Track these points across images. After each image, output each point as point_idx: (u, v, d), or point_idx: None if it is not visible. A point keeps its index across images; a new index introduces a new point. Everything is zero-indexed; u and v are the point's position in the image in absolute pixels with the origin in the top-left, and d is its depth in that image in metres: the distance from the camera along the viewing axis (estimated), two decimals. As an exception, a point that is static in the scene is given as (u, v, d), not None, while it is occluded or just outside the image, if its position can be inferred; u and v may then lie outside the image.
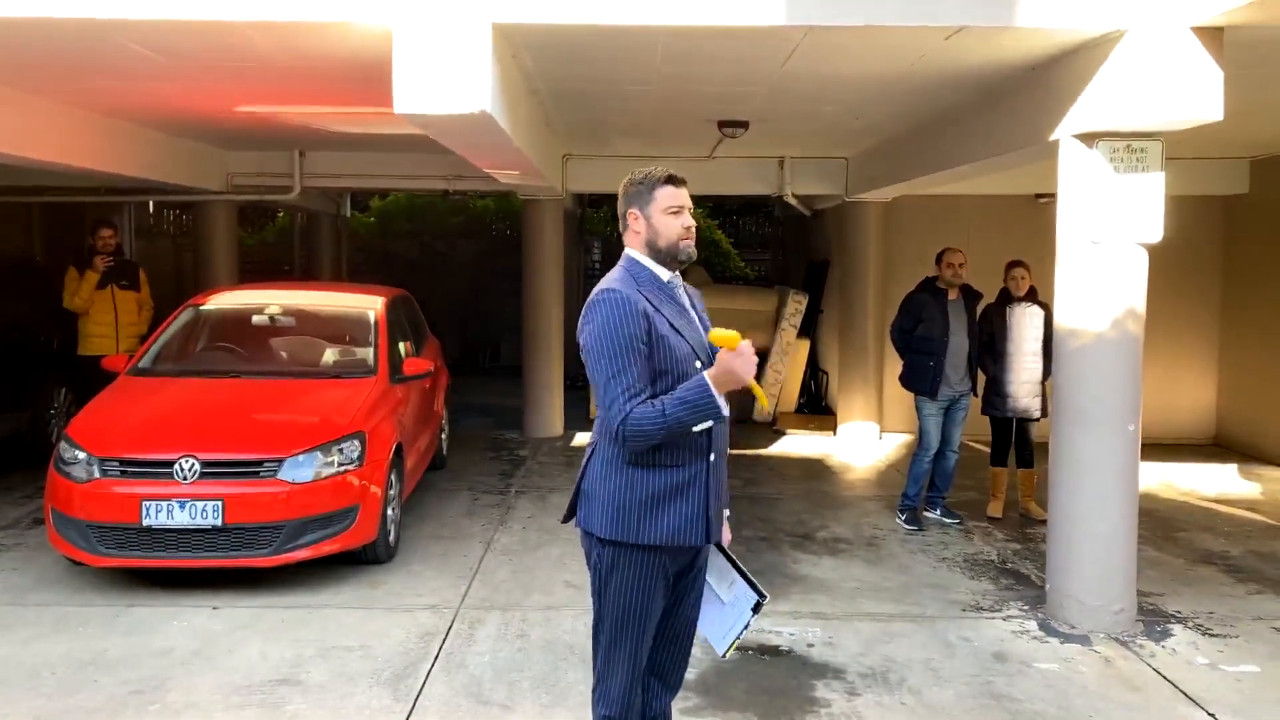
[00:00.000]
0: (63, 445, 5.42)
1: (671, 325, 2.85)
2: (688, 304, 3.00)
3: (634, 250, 2.96)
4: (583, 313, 2.87)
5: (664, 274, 2.93)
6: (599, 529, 2.88)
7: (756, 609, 3.06)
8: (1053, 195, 7.85)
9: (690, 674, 4.43)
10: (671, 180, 2.94)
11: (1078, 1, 4.36)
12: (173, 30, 4.70)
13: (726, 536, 3.12)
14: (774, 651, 4.76)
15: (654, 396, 2.77)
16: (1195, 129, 4.75)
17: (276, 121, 7.60)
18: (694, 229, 2.95)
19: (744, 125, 7.39)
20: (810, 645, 4.83)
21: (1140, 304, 4.97)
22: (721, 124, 7.40)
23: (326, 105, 6.80)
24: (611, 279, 2.92)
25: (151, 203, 13.91)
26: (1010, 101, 5.72)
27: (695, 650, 4.69)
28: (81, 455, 5.29)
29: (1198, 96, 4.42)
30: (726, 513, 3.07)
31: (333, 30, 4.61)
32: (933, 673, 4.54)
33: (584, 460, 2.99)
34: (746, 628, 3.11)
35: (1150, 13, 4.36)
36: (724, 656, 3.20)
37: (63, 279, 8.13)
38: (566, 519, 3.04)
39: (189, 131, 8.51)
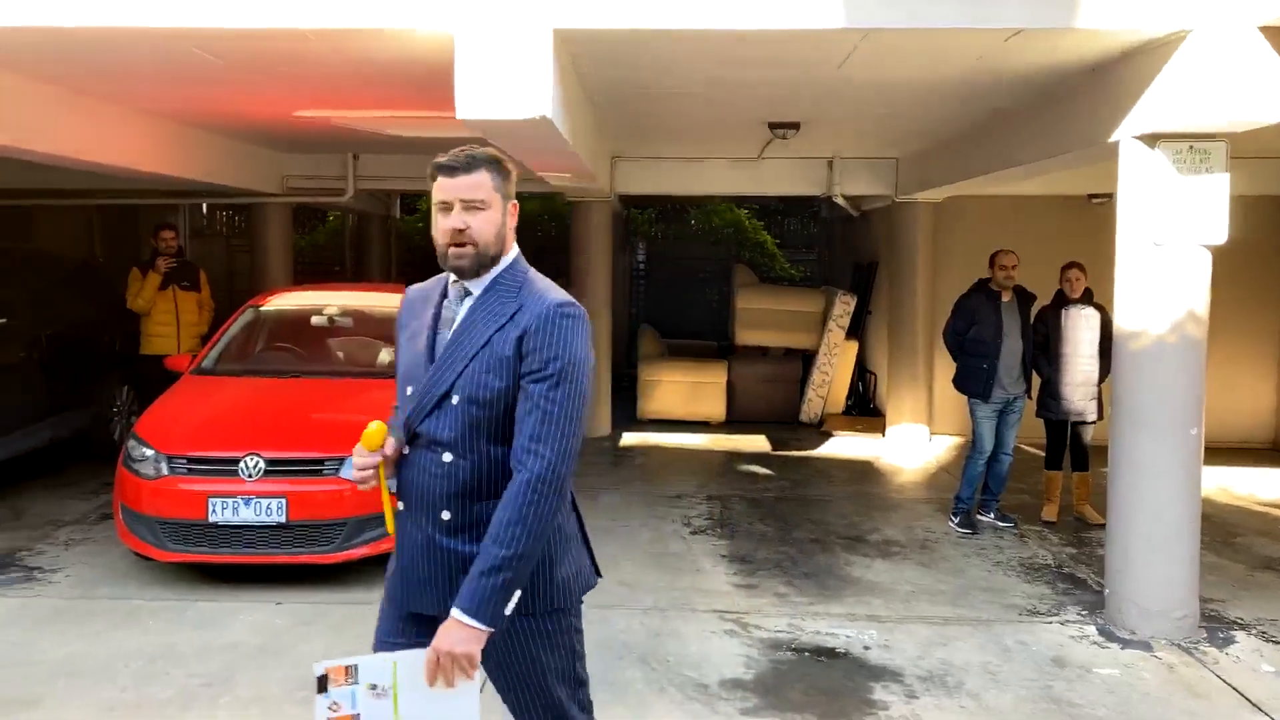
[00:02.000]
0: (131, 443, 5.56)
1: (411, 337, 2.44)
2: (457, 318, 2.35)
3: None
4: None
5: (452, 281, 2.40)
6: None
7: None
8: (1107, 196, 7.75)
9: (748, 674, 4.48)
10: (440, 168, 2.31)
11: (1140, 2, 4.32)
12: (238, 37, 4.80)
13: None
14: (830, 653, 4.77)
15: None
16: (1260, 128, 4.69)
17: (332, 125, 7.72)
18: (468, 231, 2.28)
19: (795, 126, 7.40)
20: (866, 647, 4.83)
21: (1203, 307, 4.91)
22: (773, 125, 7.41)
23: (383, 110, 6.90)
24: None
25: (205, 204, 14.19)
26: (1068, 102, 5.67)
27: (752, 650, 4.76)
28: (149, 453, 5.42)
29: (1263, 96, 4.37)
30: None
31: (394, 36, 4.69)
32: (991, 676, 4.52)
33: None
34: None
35: (1215, 12, 4.32)
36: None
37: (121, 280, 8.33)
38: None
39: (248, 135, 8.68)
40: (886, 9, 4.31)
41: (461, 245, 2.29)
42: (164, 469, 5.36)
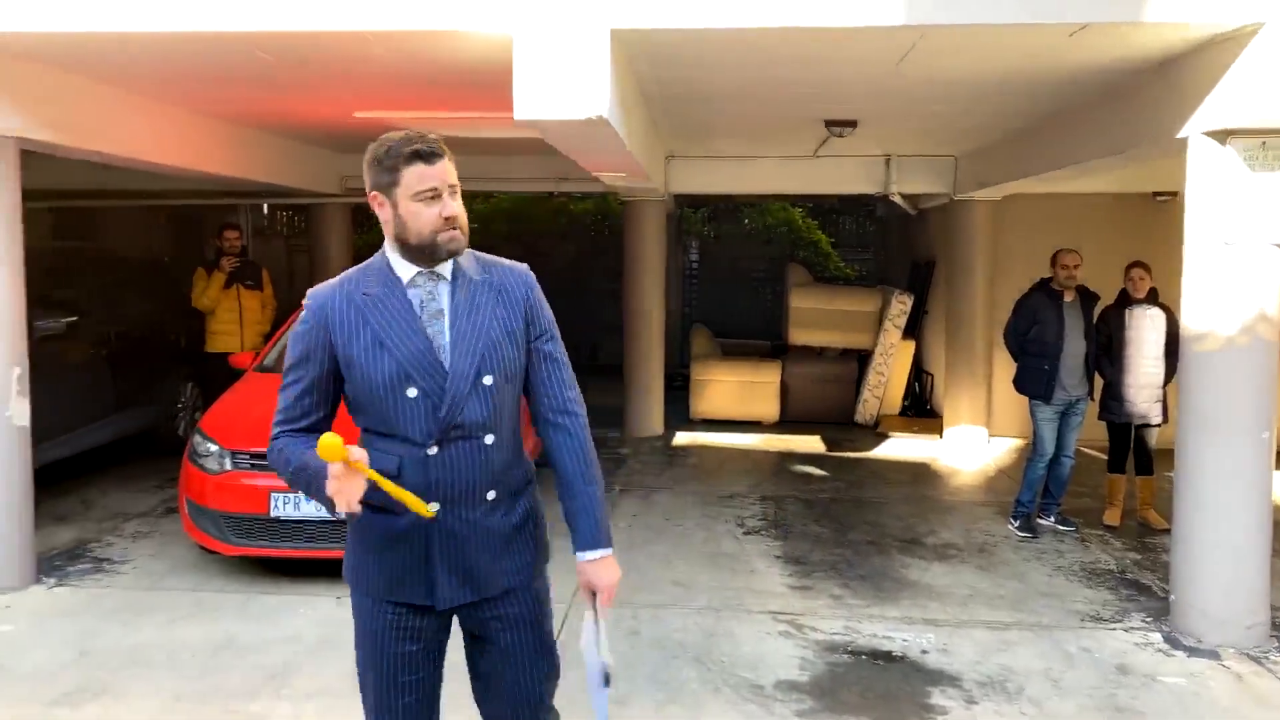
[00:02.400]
0: (196, 438, 5.68)
1: (378, 340, 2.27)
2: (444, 308, 2.32)
3: (387, 241, 2.35)
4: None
5: (406, 272, 2.32)
6: (344, 571, 2.51)
7: (607, 682, 2.48)
8: (1172, 194, 7.56)
9: (803, 676, 4.46)
10: (419, 156, 2.24)
11: (1212, -6, 4.22)
12: (300, 41, 4.89)
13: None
14: (887, 657, 4.72)
15: (311, 430, 2.32)
16: (1337, 124, 4.55)
17: (390, 126, 7.79)
18: (459, 217, 2.27)
19: (852, 124, 7.33)
20: (924, 652, 4.78)
21: (1274, 307, 4.78)
22: (830, 123, 7.35)
23: (441, 110, 6.97)
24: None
25: (266, 205, 14.46)
26: (1133, 98, 5.55)
27: (805, 653, 4.73)
28: (214, 448, 5.53)
29: (1341, 91, 4.24)
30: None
31: (453, 38, 4.73)
32: (1053, 683, 4.44)
33: None
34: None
35: (1290, 4, 4.20)
36: None
37: (186, 279, 8.51)
38: None
39: (307, 137, 8.82)
40: (946, 7, 4.25)
41: (453, 231, 2.28)
42: (227, 464, 5.47)
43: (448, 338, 2.30)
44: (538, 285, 2.47)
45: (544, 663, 2.51)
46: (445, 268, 2.34)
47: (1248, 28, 4.37)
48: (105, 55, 5.29)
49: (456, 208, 2.28)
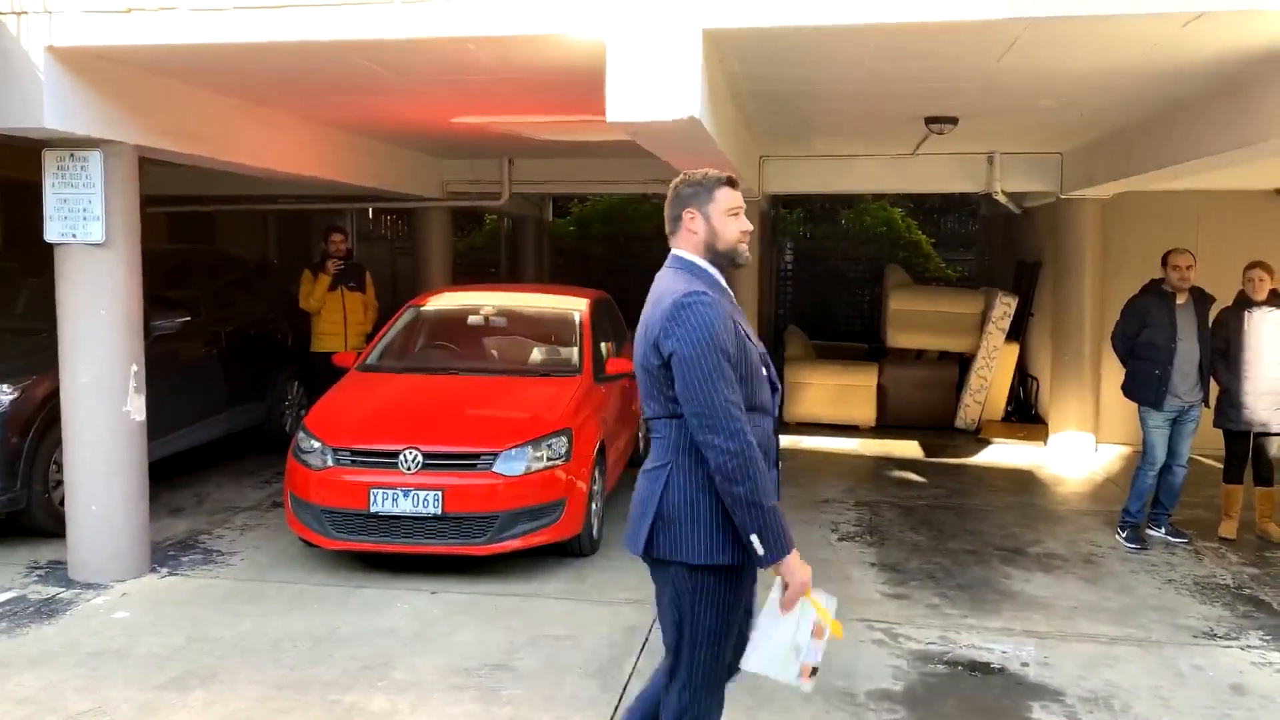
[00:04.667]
0: (300, 435, 5.86)
1: (744, 330, 2.78)
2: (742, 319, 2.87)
3: (686, 252, 2.85)
4: (665, 317, 2.66)
5: (721, 278, 2.85)
6: (691, 555, 2.72)
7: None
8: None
9: (897, 686, 4.38)
10: (730, 182, 2.86)
11: (1340, -22, 3.99)
12: (402, 49, 5.01)
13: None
14: (985, 669, 4.59)
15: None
16: None
17: (487, 131, 7.95)
18: (750, 234, 2.88)
19: (953, 121, 7.16)
20: (1024, 664, 4.63)
21: None
22: (929, 120, 7.19)
23: (537, 115, 7.06)
24: (682, 280, 2.75)
25: (371, 209, 14.87)
26: (1255, 90, 5.28)
27: (899, 662, 4.63)
28: (317, 445, 5.70)
29: None
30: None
31: (548, 42, 4.78)
32: (1161, 701, 4.26)
33: (651, 483, 2.78)
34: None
35: None
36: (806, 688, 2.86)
37: (294, 280, 8.80)
38: (645, 551, 2.79)
39: (409, 142, 9.04)
40: (1051, -3, 4.12)
41: (746, 243, 2.87)
42: (329, 460, 5.63)
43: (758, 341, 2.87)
44: None
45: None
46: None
47: (1379, 13, 4.12)
48: (218, 66, 5.51)
49: (747, 225, 2.87)
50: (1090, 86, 5.90)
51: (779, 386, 2.90)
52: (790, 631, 2.71)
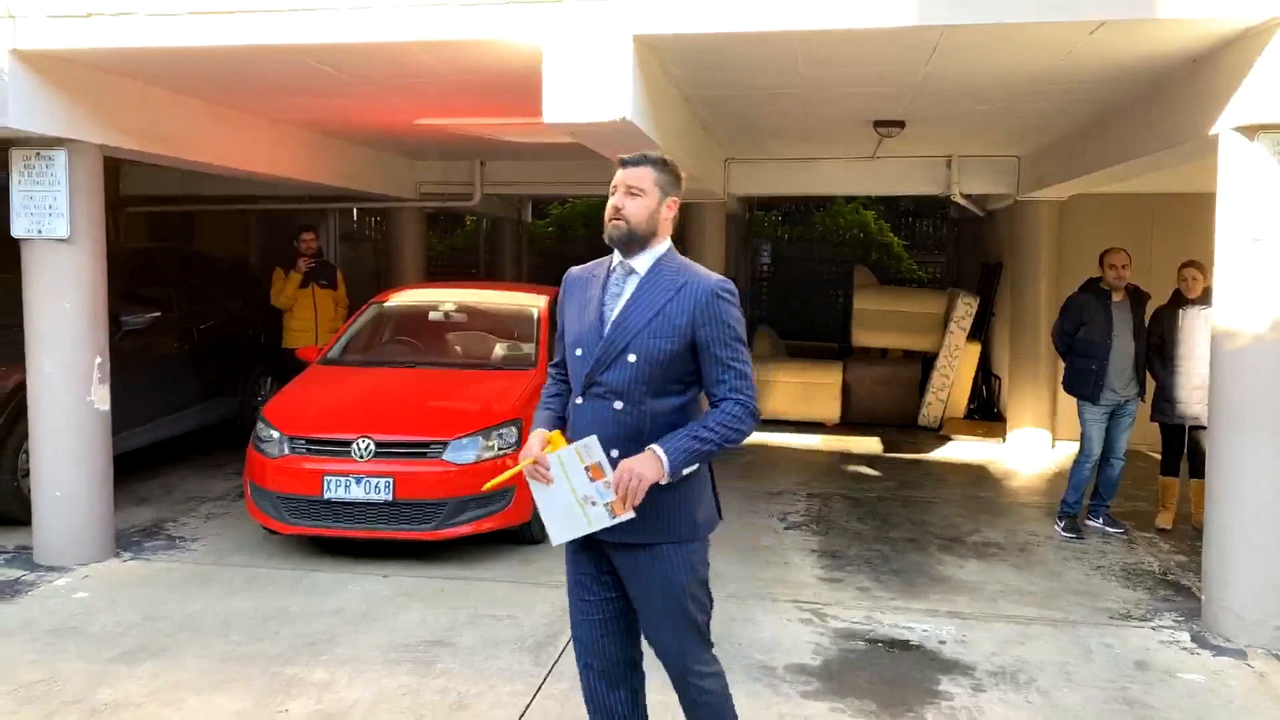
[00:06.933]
0: (259, 425, 6.07)
1: (580, 310, 2.93)
2: (624, 294, 2.87)
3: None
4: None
5: (616, 258, 2.92)
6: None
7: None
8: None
9: (815, 661, 4.58)
10: (620, 162, 2.90)
11: (1229, -11, 4.21)
12: (350, 52, 5.23)
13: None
14: (903, 645, 4.80)
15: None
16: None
17: (455, 133, 8.16)
18: (623, 210, 2.81)
19: (900, 125, 7.38)
20: (942, 642, 4.84)
21: (1308, 303, 4.71)
22: (877, 124, 7.42)
23: (492, 117, 7.27)
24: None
25: (355, 210, 15.06)
26: (1170, 95, 5.52)
27: (821, 639, 4.84)
28: (275, 434, 5.91)
29: (1368, 83, 4.18)
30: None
31: (489, 47, 5.00)
32: (1065, 676, 4.47)
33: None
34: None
35: (1312, -3, 4.16)
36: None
37: (268, 279, 9.00)
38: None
39: (381, 144, 9.24)
40: (956, 6, 4.34)
41: (616, 220, 2.83)
42: (286, 449, 5.84)
43: (613, 318, 2.86)
44: (728, 297, 2.84)
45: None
46: (641, 263, 2.88)
47: (1272, 21, 4.34)
48: (178, 69, 5.71)
49: (632, 206, 2.82)
50: (1020, 91, 6.12)
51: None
52: (565, 491, 2.79)
